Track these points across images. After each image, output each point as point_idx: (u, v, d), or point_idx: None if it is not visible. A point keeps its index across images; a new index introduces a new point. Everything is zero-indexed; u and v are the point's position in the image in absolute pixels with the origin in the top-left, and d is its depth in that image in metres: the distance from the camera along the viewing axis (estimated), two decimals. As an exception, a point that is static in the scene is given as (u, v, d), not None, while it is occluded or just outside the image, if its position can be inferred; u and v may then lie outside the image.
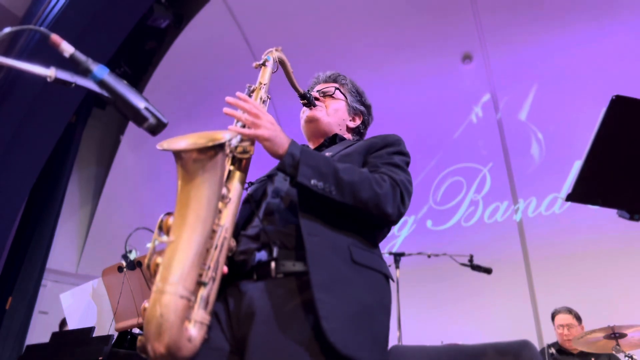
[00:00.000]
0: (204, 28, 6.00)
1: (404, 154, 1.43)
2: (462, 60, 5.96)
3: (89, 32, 4.25)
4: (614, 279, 4.98)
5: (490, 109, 6.16)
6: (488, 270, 3.83)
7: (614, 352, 3.28)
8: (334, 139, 1.60)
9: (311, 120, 1.62)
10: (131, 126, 6.72)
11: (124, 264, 2.92)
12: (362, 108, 1.74)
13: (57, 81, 0.89)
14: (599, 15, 5.20)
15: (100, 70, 0.92)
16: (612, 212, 1.83)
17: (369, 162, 1.37)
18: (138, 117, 0.92)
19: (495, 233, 5.93)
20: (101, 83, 0.91)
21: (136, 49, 6.19)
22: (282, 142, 1.18)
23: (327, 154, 1.42)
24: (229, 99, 1.17)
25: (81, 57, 0.93)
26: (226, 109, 1.19)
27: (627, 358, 3.20)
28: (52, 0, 4.27)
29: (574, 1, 5.25)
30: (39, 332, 5.06)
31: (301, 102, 1.62)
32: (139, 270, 2.87)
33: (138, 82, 6.42)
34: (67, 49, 0.92)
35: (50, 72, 0.88)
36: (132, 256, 2.96)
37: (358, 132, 1.72)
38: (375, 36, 5.74)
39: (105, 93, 0.92)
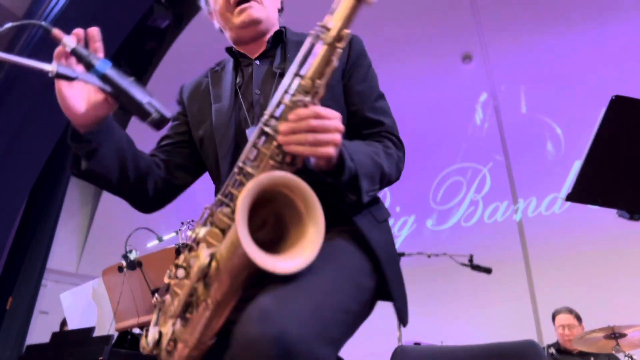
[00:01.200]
0: (204, 28, 5.99)
1: (370, 64, 1.28)
2: (462, 60, 5.96)
3: (89, 32, 4.23)
4: (614, 279, 4.98)
5: (490, 109, 6.16)
6: (488, 270, 3.83)
7: (613, 352, 3.29)
8: (278, 36, 1.31)
9: (255, 22, 1.27)
10: (131, 126, 6.72)
11: (124, 264, 2.92)
12: None
13: (59, 76, 0.87)
14: (599, 15, 5.20)
15: (102, 65, 0.90)
16: (612, 212, 1.83)
17: (351, 100, 1.21)
18: (141, 112, 0.89)
19: (495, 233, 5.93)
20: (104, 77, 0.89)
21: (136, 49, 6.19)
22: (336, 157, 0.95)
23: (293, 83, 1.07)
24: (294, 116, 0.88)
25: (83, 51, 0.91)
26: (285, 138, 0.87)
27: (627, 358, 3.20)
28: (52, 0, 4.27)
29: (574, 1, 5.25)
30: (39, 332, 5.06)
31: None
32: (139, 270, 2.87)
33: (138, 82, 6.42)
34: (69, 43, 0.90)
35: (51, 67, 0.86)
36: (132, 256, 2.96)
37: (282, 10, 1.45)
38: (375, 36, 5.74)
39: (107, 88, 0.89)
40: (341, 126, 0.88)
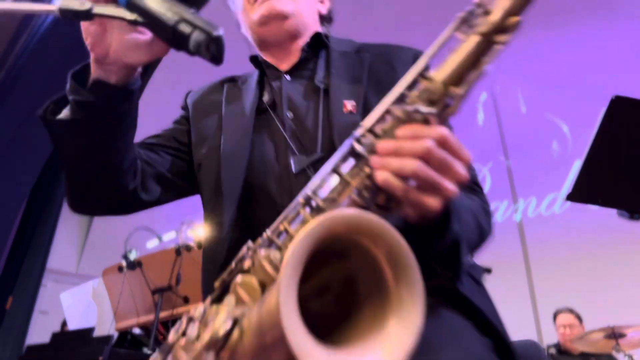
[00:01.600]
0: (204, 28, 6.00)
1: None
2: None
3: (89, 32, 4.24)
4: (614, 279, 4.98)
5: (490, 109, 6.16)
6: (488, 270, 3.83)
7: (613, 352, 3.29)
8: (317, 45, 1.01)
9: (279, 16, 0.97)
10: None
11: (124, 264, 2.92)
12: None
13: (66, 14, 0.67)
14: (600, 15, 5.20)
15: None
16: (612, 212, 1.83)
17: None
18: (178, 39, 0.64)
19: (495, 233, 5.92)
20: (129, 4, 0.65)
21: (136, 49, 6.19)
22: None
23: (349, 107, 0.88)
24: (403, 133, 0.59)
25: None
26: (380, 161, 0.58)
27: (627, 358, 3.20)
28: (52, 0, 4.26)
29: (574, 2, 5.24)
30: (39, 332, 5.06)
31: None
32: (139, 270, 2.87)
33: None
34: None
35: (54, 7, 0.68)
36: (132, 256, 2.96)
37: (329, 19, 1.13)
38: (374, 36, 5.73)
39: (136, 18, 0.65)
40: (466, 174, 0.59)
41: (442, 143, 0.57)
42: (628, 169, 1.51)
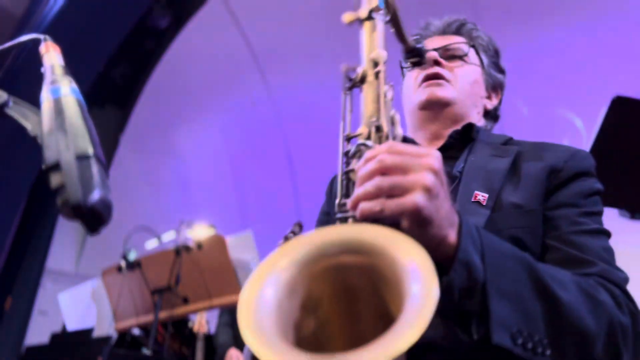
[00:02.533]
0: (203, 28, 6.00)
1: (599, 193, 0.87)
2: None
3: (89, 32, 4.24)
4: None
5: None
6: None
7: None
8: (468, 133, 0.98)
9: (439, 103, 0.97)
10: (131, 125, 6.72)
11: (124, 264, 2.92)
12: (501, 77, 1.13)
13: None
14: (600, 14, 5.20)
15: (50, 92, 0.57)
16: (612, 212, 1.83)
17: (550, 219, 0.80)
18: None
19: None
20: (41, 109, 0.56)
21: (135, 49, 6.19)
22: (448, 221, 0.59)
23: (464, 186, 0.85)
24: (358, 165, 0.60)
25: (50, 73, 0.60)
26: (352, 200, 0.58)
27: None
28: (51, 0, 4.26)
29: (574, 2, 5.25)
30: (39, 333, 5.06)
31: (408, 61, 0.99)
32: (139, 271, 2.87)
33: (137, 82, 6.42)
34: (48, 62, 0.62)
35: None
36: (132, 256, 2.96)
37: (494, 116, 1.13)
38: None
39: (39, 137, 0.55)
40: (435, 164, 0.56)
41: (390, 151, 0.57)
42: (629, 168, 1.51)
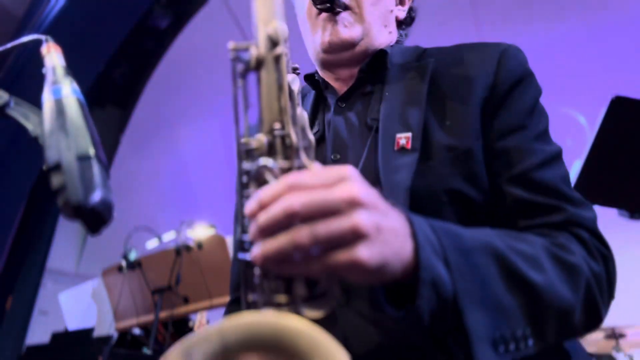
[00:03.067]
0: (203, 28, 6.00)
1: (539, 97, 0.75)
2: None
3: (89, 32, 4.24)
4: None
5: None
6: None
7: (613, 352, 3.28)
8: (378, 60, 0.84)
9: (345, 45, 0.82)
10: (131, 125, 6.73)
11: (124, 264, 2.92)
12: None
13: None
14: (600, 15, 5.20)
15: (51, 93, 0.56)
16: (612, 212, 1.83)
17: (498, 154, 0.69)
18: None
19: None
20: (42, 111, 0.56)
21: (136, 49, 6.19)
22: (399, 242, 0.48)
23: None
24: (250, 209, 0.46)
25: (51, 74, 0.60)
26: (258, 254, 0.45)
27: (627, 358, 3.20)
28: (52, 0, 4.27)
29: (575, 2, 5.25)
30: (39, 332, 5.06)
31: (315, 6, 0.81)
32: (139, 271, 2.87)
33: (138, 82, 6.42)
34: (50, 63, 0.61)
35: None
36: (132, 256, 2.96)
37: (410, 19, 0.95)
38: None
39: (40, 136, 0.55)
40: (359, 192, 0.43)
41: (297, 188, 0.43)
42: (629, 168, 1.51)
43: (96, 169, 0.52)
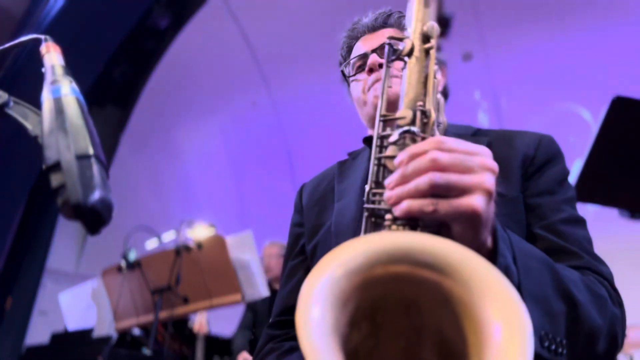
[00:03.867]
0: (203, 28, 6.00)
1: (568, 175, 0.91)
2: (462, 59, 5.96)
3: (89, 32, 4.24)
4: (615, 278, 4.97)
5: (491, 108, 6.17)
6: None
7: (614, 352, 3.29)
8: None
9: (390, 101, 0.89)
10: (131, 125, 6.73)
11: (124, 264, 2.92)
12: (440, 55, 1.09)
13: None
14: (600, 15, 5.20)
15: (51, 92, 0.57)
16: (612, 212, 1.83)
17: (532, 207, 0.83)
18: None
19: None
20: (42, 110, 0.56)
21: (135, 49, 6.19)
22: (491, 224, 0.57)
23: None
24: (400, 158, 0.54)
25: (50, 73, 0.61)
26: (393, 194, 0.54)
27: (627, 358, 3.20)
28: (51, 0, 4.26)
29: (574, 2, 5.25)
30: (39, 332, 5.06)
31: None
32: (139, 271, 2.87)
33: (138, 82, 6.42)
34: (49, 62, 0.62)
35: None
36: (132, 256, 2.96)
37: (445, 95, 1.13)
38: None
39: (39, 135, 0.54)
40: (493, 164, 0.54)
41: (442, 147, 0.52)
42: (629, 168, 1.51)
43: (95, 168, 0.51)
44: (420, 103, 0.59)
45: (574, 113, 5.60)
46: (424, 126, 0.58)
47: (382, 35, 1.01)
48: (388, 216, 0.54)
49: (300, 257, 0.98)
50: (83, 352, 2.64)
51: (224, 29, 5.96)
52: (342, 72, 1.07)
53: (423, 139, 0.57)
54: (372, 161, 0.60)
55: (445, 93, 1.10)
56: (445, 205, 0.51)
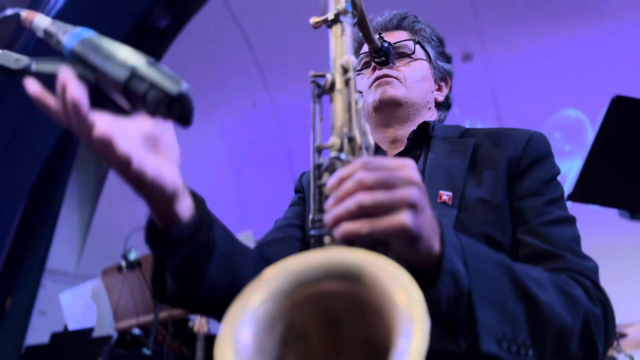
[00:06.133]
0: (203, 28, 6.00)
1: (557, 175, 0.91)
2: (462, 59, 5.96)
3: (89, 32, 4.24)
4: (615, 278, 4.96)
5: (491, 109, 6.16)
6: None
7: (614, 353, 3.28)
8: (423, 131, 1.00)
9: (391, 102, 1.00)
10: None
11: (124, 264, 2.91)
12: (448, 66, 1.12)
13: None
14: (600, 16, 5.20)
15: (71, 38, 0.56)
16: (612, 212, 1.83)
17: (517, 211, 0.84)
18: (131, 98, 0.52)
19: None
20: (74, 57, 0.55)
21: (136, 49, 6.19)
22: (432, 231, 0.59)
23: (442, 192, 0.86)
24: (330, 183, 0.56)
25: (53, 28, 0.61)
26: (331, 218, 0.54)
27: (627, 358, 3.20)
28: (52, 0, 4.26)
29: (574, 2, 5.25)
30: (39, 332, 5.06)
31: (373, 60, 0.97)
32: (139, 270, 2.87)
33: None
34: (40, 25, 0.61)
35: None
36: (132, 256, 2.96)
37: (446, 104, 1.13)
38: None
39: (88, 74, 0.55)
40: (416, 177, 0.55)
41: (368, 167, 0.54)
42: (629, 168, 1.51)
43: (164, 67, 0.53)
44: (346, 129, 0.63)
45: (573, 116, 5.61)
46: (352, 150, 0.62)
47: (394, 36, 1.05)
48: (327, 240, 0.57)
49: (292, 212, 1.03)
50: (83, 352, 2.64)
51: (224, 29, 5.96)
52: None
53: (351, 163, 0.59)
54: (312, 190, 0.63)
55: (447, 104, 1.14)
56: (378, 225, 0.52)
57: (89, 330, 2.90)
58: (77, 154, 6.11)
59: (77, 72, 0.55)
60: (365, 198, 0.52)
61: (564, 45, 5.49)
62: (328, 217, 0.54)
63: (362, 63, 1.08)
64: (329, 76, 0.68)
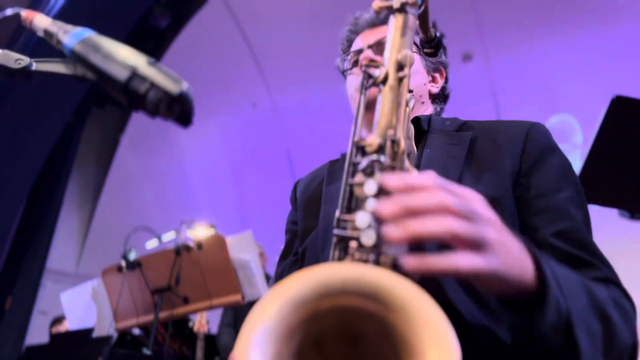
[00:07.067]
0: (203, 28, 6.00)
1: (568, 163, 0.86)
2: (462, 59, 5.96)
3: (89, 32, 4.24)
4: (614, 279, 4.97)
5: (491, 109, 6.17)
6: None
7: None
8: (416, 127, 0.95)
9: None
10: (131, 125, 6.72)
11: (124, 264, 2.91)
12: (442, 57, 1.06)
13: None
14: (600, 17, 5.20)
15: (71, 38, 0.57)
16: (612, 212, 1.83)
17: (526, 206, 0.80)
18: (132, 97, 0.53)
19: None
20: (74, 57, 0.56)
21: (136, 49, 6.20)
22: (519, 259, 0.55)
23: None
24: (395, 185, 0.51)
25: (53, 28, 0.61)
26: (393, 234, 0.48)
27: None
28: (52, 0, 4.26)
29: (574, 3, 5.25)
30: (39, 332, 5.06)
31: (421, 51, 0.90)
32: (139, 271, 2.87)
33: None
34: (40, 24, 0.62)
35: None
36: (132, 256, 2.96)
37: (443, 96, 1.09)
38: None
39: (87, 74, 0.56)
40: (450, 201, 0.49)
41: (448, 190, 0.50)
42: (629, 169, 1.51)
43: (164, 67, 0.54)
44: (391, 132, 0.58)
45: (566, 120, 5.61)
46: (394, 154, 0.58)
47: (382, 32, 0.99)
48: (353, 244, 0.53)
49: (294, 257, 0.97)
50: (83, 352, 2.63)
51: (224, 29, 5.96)
52: (338, 65, 1.07)
53: (392, 168, 0.56)
54: (343, 187, 0.59)
55: (444, 95, 1.09)
56: (474, 265, 0.48)
57: (89, 330, 2.90)
58: (77, 154, 6.11)
59: (78, 72, 0.56)
60: (458, 227, 0.47)
61: (565, 45, 5.50)
62: (395, 232, 0.47)
63: (351, 62, 1.02)
64: (382, 69, 0.63)
